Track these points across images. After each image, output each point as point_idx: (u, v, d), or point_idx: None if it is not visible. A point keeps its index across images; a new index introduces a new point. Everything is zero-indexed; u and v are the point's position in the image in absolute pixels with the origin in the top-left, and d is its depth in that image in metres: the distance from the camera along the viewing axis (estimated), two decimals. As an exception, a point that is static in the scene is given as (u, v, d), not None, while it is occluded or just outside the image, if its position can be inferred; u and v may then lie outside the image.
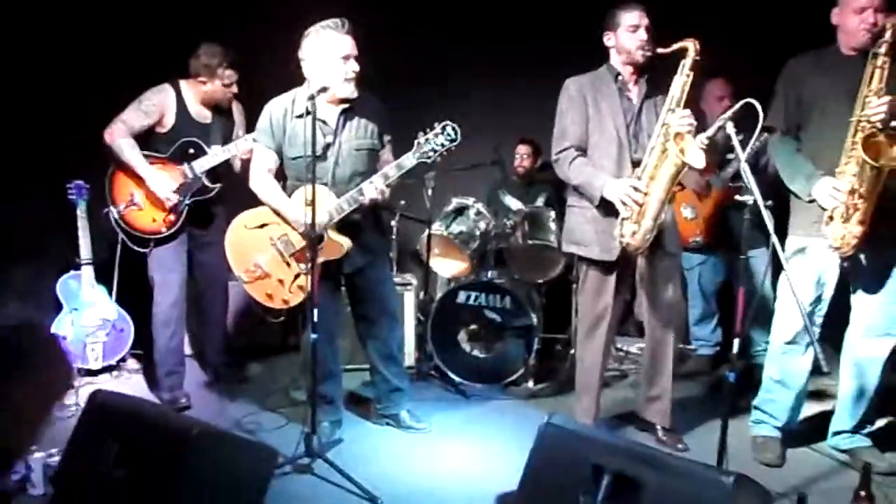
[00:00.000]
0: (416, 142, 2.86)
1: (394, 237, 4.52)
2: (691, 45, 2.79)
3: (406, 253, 4.73)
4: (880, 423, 3.17)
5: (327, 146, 2.90)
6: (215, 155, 3.47)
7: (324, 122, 2.86)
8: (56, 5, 4.14)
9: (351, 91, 2.87)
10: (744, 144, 2.47)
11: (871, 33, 2.65)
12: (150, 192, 3.43)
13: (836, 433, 3.03)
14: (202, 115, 3.53)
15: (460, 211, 4.27)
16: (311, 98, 2.68)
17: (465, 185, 4.49)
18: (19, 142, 4.00)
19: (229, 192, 3.58)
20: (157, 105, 3.43)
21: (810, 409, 3.36)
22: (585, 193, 2.96)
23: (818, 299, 2.84)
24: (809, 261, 2.80)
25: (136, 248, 3.50)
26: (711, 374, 4.12)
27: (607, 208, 2.91)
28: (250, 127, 3.41)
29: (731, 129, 2.48)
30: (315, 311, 2.68)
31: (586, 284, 3.11)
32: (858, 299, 2.90)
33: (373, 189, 2.83)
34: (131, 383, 3.94)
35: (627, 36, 2.92)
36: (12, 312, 3.83)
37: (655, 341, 3.14)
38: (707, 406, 3.57)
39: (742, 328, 2.48)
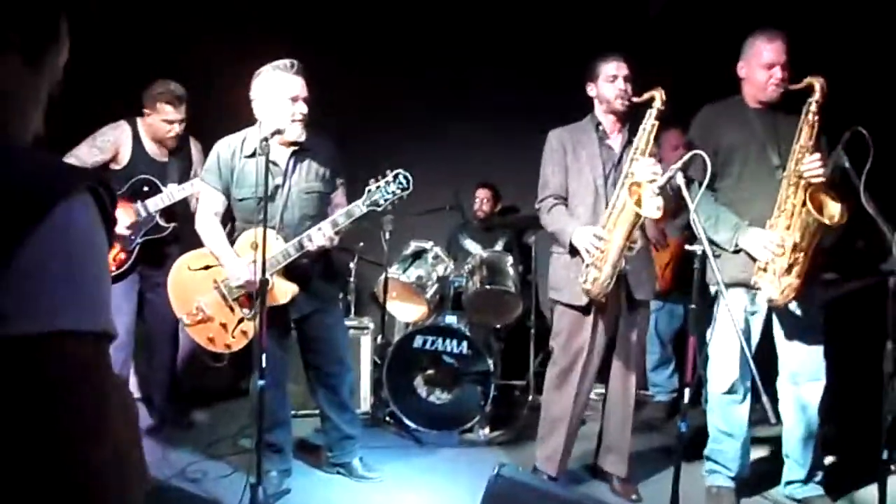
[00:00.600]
0: (367, 189, 2.84)
1: (352, 279, 4.49)
2: (658, 95, 2.85)
3: (364, 296, 4.68)
4: (829, 462, 3.19)
5: (276, 188, 2.85)
6: (170, 194, 3.42)
7: (274, 163, 2.81)
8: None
9: (298, 133, 2.84)
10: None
11: (780, 89, 2.76)
12: (100, 230, 3.33)
13: (789, 482, 3.03)
14: (159, 153, 3.47)
15: (418, 254, 4.26)
16: (265, 140, 2.65)
17: (424, 229, 4.48)
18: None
19: (187, 232, 3.50)
20: (111, 141, 3.38)
21: (761, 453, 3.38)
22: (559, 240, 3.03)
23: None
24: (738, 310, 2.82)
25: (82, 288, 3.39)
26: (668, 421, 4.12)
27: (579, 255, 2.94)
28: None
29: (680, 179, 2.52)
30: (263, 357, 2.61)
31: (560, 327, 3.09)
32: (785, 347, 2.92)
33: (321, 236, 2.78)
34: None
35: (607, 86, 2.98)
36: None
37: (615, 390, 3.13)
38: (663, 454, 3.54)
39: (693, 377, 2.48)
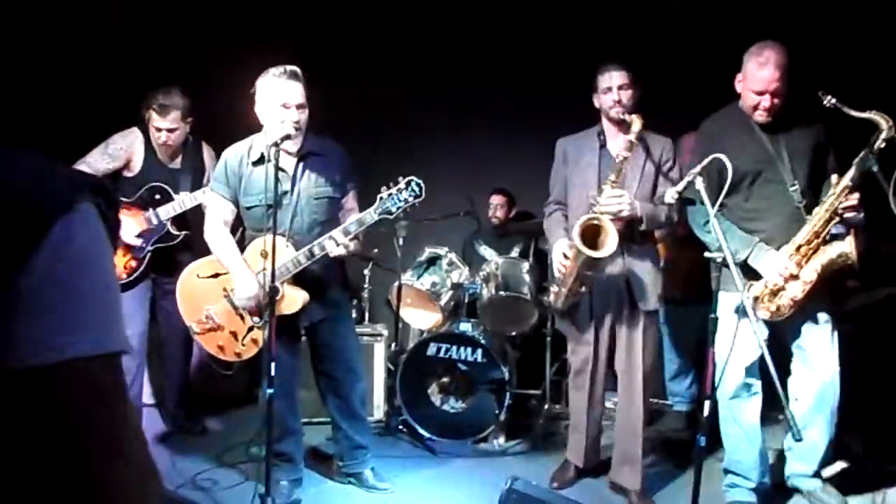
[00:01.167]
0: (378, 197, 2.78)
1: (366, 286, 4.45)
2: (635, 121, 2.85)
3: (378, 302, 4.63)
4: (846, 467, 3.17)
5: (284, 194, 2.81)
6: (182, 202, 3.40)
7: (282, 169, 2.77)
8: (32, 56, 4.09)
9: (292, 143, 2.78)
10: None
11: (767, 118, 2.73)
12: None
13: (796, 475, 2.99)
14: (171, 160, 3.46)
15: (433, 261, 4.21)
16: (276, 146, 2.62)
17: (438, 235, 4.43)
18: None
19: (199, 239, 3.48)
20: (123, 149, 3.37)
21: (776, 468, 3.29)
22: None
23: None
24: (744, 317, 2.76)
25: (94, 294, 3.39)
26: (687, 432, 4.02)
27: None
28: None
29: (700, 184, 2.45)
30: (272, 366, 2.57)
31: (567, 332, 3.24)
32: (798, 351, 2.88)
33: (333, 244, 2.74)
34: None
35: (603, 97, 3.00)
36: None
37: (622, 399, 3.08)
38: (682, 466, 3.45)
39: (712, 389, 2.40)
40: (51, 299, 0.69)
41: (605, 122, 3.07)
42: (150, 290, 3.53)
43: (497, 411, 3.75)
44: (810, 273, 2.65)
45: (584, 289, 2.96)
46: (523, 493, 2.05)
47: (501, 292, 3.97)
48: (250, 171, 2.85)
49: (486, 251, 4.39)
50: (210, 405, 4.10)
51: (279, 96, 2.74)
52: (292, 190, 2.84)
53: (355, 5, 4.73)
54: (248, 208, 2.87)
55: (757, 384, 2.87)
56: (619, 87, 2.95)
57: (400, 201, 2.77)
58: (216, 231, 2.88)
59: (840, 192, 2.61)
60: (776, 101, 2.68)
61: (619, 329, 3.05)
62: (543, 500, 2.07)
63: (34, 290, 0.68)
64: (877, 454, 3.30)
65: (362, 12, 4.73)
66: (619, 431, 3.12)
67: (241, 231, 2.98)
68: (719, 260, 2.32)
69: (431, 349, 3.85)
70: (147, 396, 4.04)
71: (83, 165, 3.31)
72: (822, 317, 2.81)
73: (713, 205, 2.38)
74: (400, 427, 3.90)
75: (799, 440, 2.15)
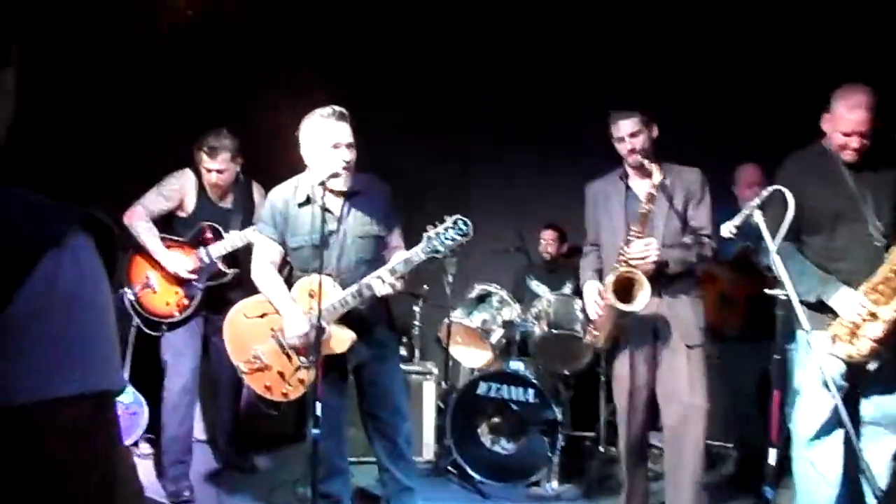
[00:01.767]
0: (425, 235, 2.75)
1: (416, 323, 4.41)
2: (655, 172, 2.82)
3: (428, 340, 4.58)
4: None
5: (330, 234, 2.80)
6: (232, 240, 3.45)
7: (328, 210, 2.76)
8: (88, 99, 4.25)
9: (342, 182, 2.78)
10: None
11: (855, 157, 2.62)
12: (166, 275, 3.41)
13: None
14: (222, 200, 3.53)
15: (483, 298, 4.15)
16: (322, 184, 2.63)
17: (488, 271, 4.38)
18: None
19: (249, 277, 3.52)
20: (176, 189, 3.45)
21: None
22: None
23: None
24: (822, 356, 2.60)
25: (148, 331, 3.47)
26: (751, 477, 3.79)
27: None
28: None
29: (759, 217, 2.33)
30: (318, 406, 2.54)
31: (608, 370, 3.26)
32: (866, 391, 2.70)
33: (380, 283, 2.71)
34: (142, 468, 3.77)
35: (617, 146, 3.01)
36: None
37: (671, 443, 2.97)
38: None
39: (779, 435, 2.25)
40: (36, 337, 0.66)
41: (627, 165, 3.06)
42: (202, 327, 3.57)
43: (550, 453, 3.63)
44: (889, 312, 2.49)
45: (624, 330, 2.98)
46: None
47: (553, 330, 3.88)
48: (296, 213, 2.86)
49: (537, 287, 4.32)
50: (260, 442, 4.10)
51: (329, 137, 2.75)
52: (338, 229, 2.83)
53: (398, 44, 4.78)
54: (295, 249, 2.87)
55: (838, 426, 2.66)
56: (631, 136, 2.93)
57: (447, 240, 2.73)
58: (264, 271, 2.90)
59: None
60: (865, 141, 2.59)
61: (659, 364, 2.96)
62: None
63: (18, 328, 0.65)
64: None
65: (406, 51, 4.79)
66: (668, 475, 3.00)
67: (288, 270, 2.99)
68: (782, 297, 2.19)
69: (482, 388, 3.77)
70: (199, 432, 4.07)
71: (138, 206, 3.41)
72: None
73: (773, 238, 2.25)
74: (449, 468, 3.81)
75: (880, 496, 1.98)
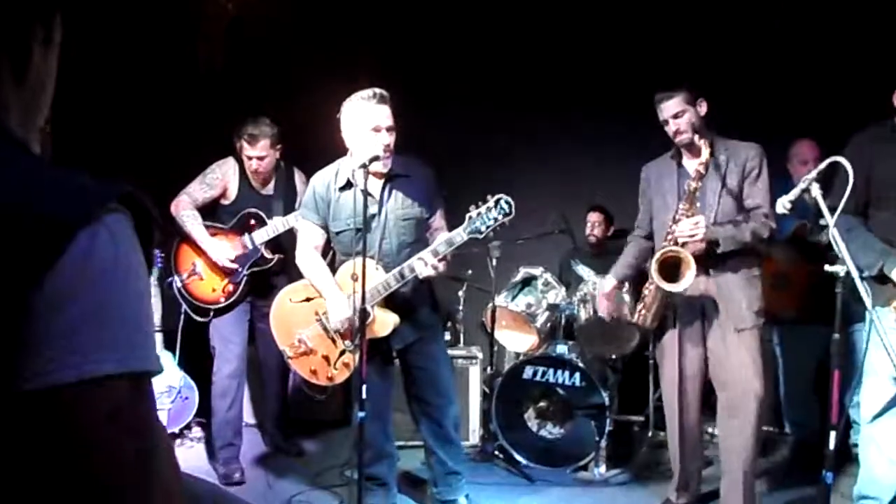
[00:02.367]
0: (467, 216, 2.71)
1: (460, 307, 4.39)
2: (704, 148, 2.75)
3: (472, 324, 4.56)
4: None
5: (372, 217, 2.79)
6: (275, 227, 3.47)
7: (369, 193, 2.73)
8: (135, 91, 4.32)
9: (382, 165, 2.76)
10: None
11: None
12: (211, 263, 3.45)
13: None
14: (264, 187, 3.55)
15: (528, 281, 4.09)
16: (364, 167, 2.62)
17: (532, 254, 4.32)
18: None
19: (293, 263, 3.55)
20: (220, 178, 3.49)
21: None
22: None
23: None
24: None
25: (196, 317, 3.52)
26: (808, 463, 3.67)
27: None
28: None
29: (816, 191, 2.22)
30: (363, 388, 2.54)
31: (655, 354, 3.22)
32: None
33: (422, 265, 2.69)
34: (193, 452, 3.91)
35: (665, 127, 2.93)
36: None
37: (724, 429, 2.88)
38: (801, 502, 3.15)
39: (839, 418, 2.16)
40: (70, 316, 0.64)
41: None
42: (248, 312, 3.61)
43: (597, 438, 3.57)
44: None
45: (673, 311, 2.94)
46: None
47: (599, 314, 3.80)
48: (338, 197, 2.85)
49: (583, 271, 4.23)
50: (307, 427, 4.15)
51: (369, 120, 2.73)
52: (380, 212, 2.82)
53: (441, 25, 4.73)
54: (338, 233, 2.87)
55: None
56: (674, 117, 2.85)
57: (489, 220, 2.69)
58: (307, 256, 2.91)
59: None
60: None
61: (710, 347, 2.88)
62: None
63: (52, 307, 0.63)
64: None
65: (448, 32, 4.73)
66: (722, 462, 2.92)
67: (332, 255, 3.00)
68: (842, 274, 2.09)
69: (527, 372, 3.73)
70: (248, 416, 4.14)
71: (184, 196, 3.46)
72: None
73: (832, 212, 2.15)
74: (496, 453, 3.78)
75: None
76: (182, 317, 3.63)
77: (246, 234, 3.48)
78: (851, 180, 2.16)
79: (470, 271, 4.31)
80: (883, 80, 3.15)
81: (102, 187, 0.70)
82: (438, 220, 2.94)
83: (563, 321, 4.06)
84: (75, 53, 0.82)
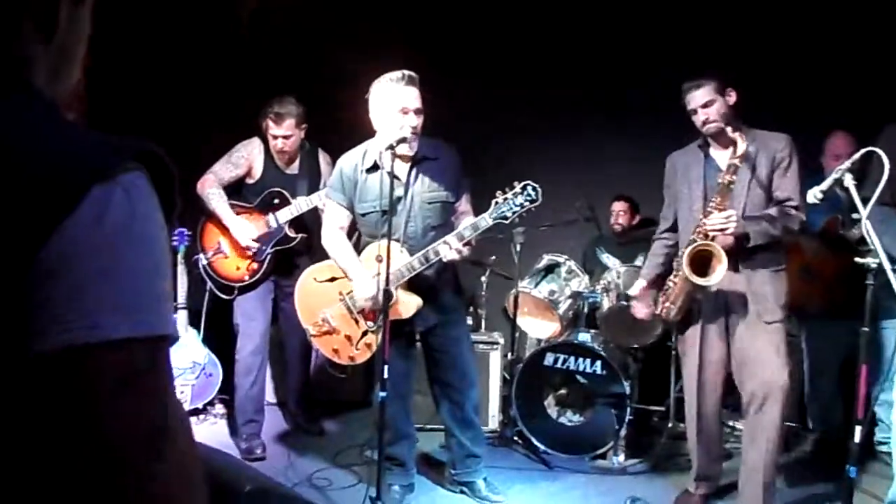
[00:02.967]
0: (494, 201, 2.72)
1: (483, 293, 4.39)
2: (739, 141, 2.68)
3: (495, 310, 4.56)
4: None
5: (398, 199, 2.78)
6: (298, 206, 3.50)
7: (395, 176, 2.72)
8: (163, 68, 4.34)
9: (409, 148, 2.76)
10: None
11: None
12: (235, 241, 3.49)
13: None
14: (289, 167, 3.58)
15: (551, 268, 4.08)
16: (390, 148, 2.62)
17: (557, 242, 4.30)
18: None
19: (317, 243, 3.57)
20: (245, 157, 3.52)
21: None
22: None
23: None
24: None
25: (221, 295, 3.57)
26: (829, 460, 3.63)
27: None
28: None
29: (850, 181, 2.18)
30: (385, 369, 2.56)
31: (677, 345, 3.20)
32: None
33: (447, 249, 2.70)
34: (216, 428, 3.96)
35: (692, 117, 2.90)
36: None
37: (747, 422, 2.85)
38: (827, 497, 3.11)
39: (865, 412, 2.13)
40: (82, 276, 0.61)
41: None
42: (272, 291, 3.65)
43: (617, 427, 3.56)
44: None
45: (697, 303, 2.91)
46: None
47: (623, 302, 3.78)
48: (364, 178, 2.86)
49: (608, 259, 4.21)
50: (329, 407, 4.19)
51: (397, 101, 2.73)
52: (406, 195, 2.82)
53: (469, 8, 4.70)
54: (363, 214, 2.88)
55: None
56: (703, 106, 2.81)
57: (516, 206, 2.69)
58: (333, 237, 2.93)
59: None
60: None
61: (734, 340, 2.85)
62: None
63: (62, 267, 0.60)
64: None
65: (475, 13, 4.70)
66: (743, 455, 2.88)
67: (357, 236, 3.01)
68: (874, 265, 2.06)
69: (548, 359, 3.72)
70: (270, 395, 4.19)
71: (210, 174, 3.50)
72: None
73: (865, 204, 2.11)
74: (514, 438, 3.79)
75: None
76: (207, 295, 3.68)
77: (270, 213, 3.51)
78: (887, 171, 2.11)
79: (494, 257, 4.31)
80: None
81: (119, 143, 0.66)
82: (464, 203, 2.94)
83: (585, 309, 4.05)
84: (104, 32, 0.80)
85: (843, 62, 4.04)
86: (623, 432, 3.57)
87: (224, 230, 3.51)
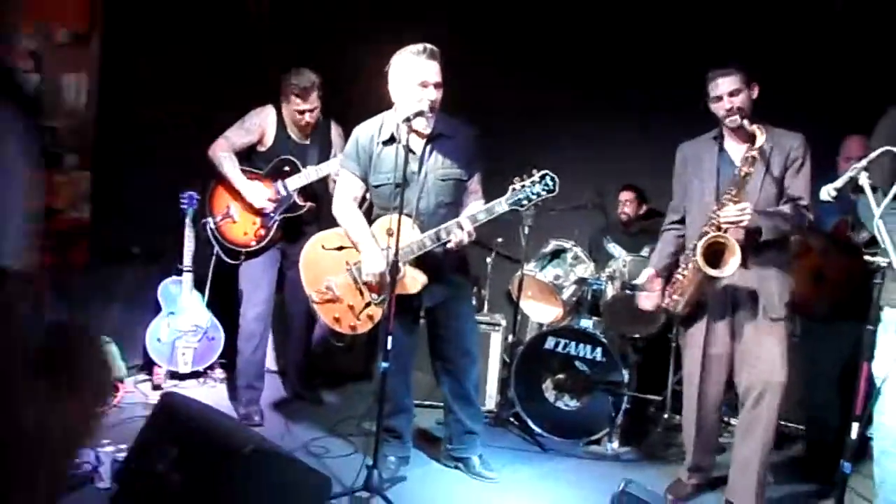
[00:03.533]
0: (510, 188, 2.72)
1: (488, 274, 4.40)
2: (759, 133, 2.67)
3: (498, 292, 4.58)
4: None
5: (412, 174, 2.78)
6: (307, 174, 3.51)
7: (411, 150, 2.72)
8: (179, 34, 4.31)
9: (425, 123, 2.76)
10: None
11: None
12: (245, 206, 3.50)
13: None
14: (300, 136, 3.59)
15: (557, 253, 4.09)
16: (407, 121, 2.62)
17: (564, 227, 4.31)
18: (149, 153, 4.01)
19: (326, 212, 3.57)
20: (258, 124, 3.53)
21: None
22: None
23: None
24: None
25: (228, 259, 3.59)
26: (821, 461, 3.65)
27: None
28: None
29: (864, 180, 2.18)
30: (389, 340, 2.58)
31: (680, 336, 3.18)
32: None
33: (458, 231, 2.71)
34: (215, 392, 4.00)
35: (714, 106, 2.86)
36: (116, 314, 3.99)
37: (743, 417, 2.85)
38: (818, 495, 3.15)
39: (864, 408, 2.15)
40: None
41: (723, 127, 2.90)
42: (278, 260, 3.66)
43: (613, 414, 3.59)
44: None
45: (704, 297, 2.89)
46: (637, 497, 1.92)
47: (627, 291, 3.80)
48: (380, 150, 2.86)
49: (614, 248, 4.22)
50: (329, 378, 4.22)
51: (418, 74, 2.73)
52: (420, 170, 2.82)
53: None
54: (377, 186, 2.89)
55: None
56: (730, 94, 2.78)
57: (532, 195, 2.71)
58: (345, 206, 2.93)
59: None
60: None
61: (738, 336, 2.85)
62: (658, 507, 1.93)
63: None
64: None
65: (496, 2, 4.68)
66: (736, 448, 2.88)
67: (367, 206, 3.02)
68: (884, 264, 2.06)
69: (549, 343, 3.75)
70: (271, 363, 4.22)
71: (222, 139, 3.50)
72: None
73: (879, 203, 2.11)
74: (511, 419, 3.82)
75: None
76: (213, 259, 3.69)
77: (279, 181, 3.52)
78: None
79: (500, 239, 4.32)
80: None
81: None
82: (475, 183, 2.94)
83: (589, 296, 4.06)
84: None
85: (854, 62, 4.01)
86: (619, 420, 3.60)
87: (234, 194, 3.52)
